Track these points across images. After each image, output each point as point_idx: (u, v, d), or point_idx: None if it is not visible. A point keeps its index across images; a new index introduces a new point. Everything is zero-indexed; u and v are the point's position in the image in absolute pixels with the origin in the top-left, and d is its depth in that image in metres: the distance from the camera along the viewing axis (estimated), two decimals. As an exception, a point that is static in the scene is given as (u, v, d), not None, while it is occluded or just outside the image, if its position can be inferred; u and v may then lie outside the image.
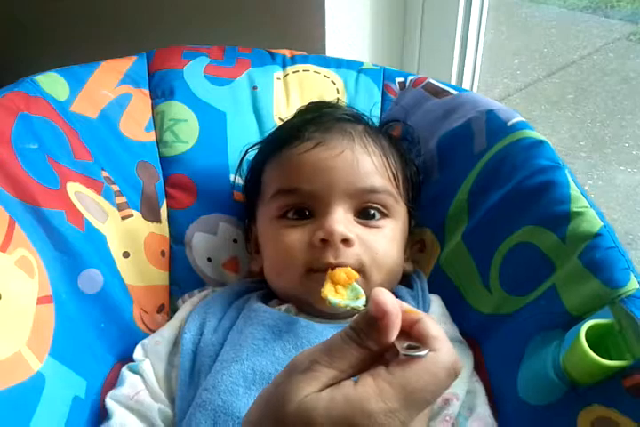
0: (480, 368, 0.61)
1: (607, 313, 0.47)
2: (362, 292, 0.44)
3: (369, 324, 0.35)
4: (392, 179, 0.67)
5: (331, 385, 0.34)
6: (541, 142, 0.64)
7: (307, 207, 0.65)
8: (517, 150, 0.64)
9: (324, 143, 0.65)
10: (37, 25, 1.59)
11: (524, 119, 0.68)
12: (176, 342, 0.65)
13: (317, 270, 0.61)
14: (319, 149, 0.65)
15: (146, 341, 0.66)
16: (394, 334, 0.35)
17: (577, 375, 0.46)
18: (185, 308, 0.70)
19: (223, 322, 0.65)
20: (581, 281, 0.51)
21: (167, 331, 0.66)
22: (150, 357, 0.64)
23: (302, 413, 0.32)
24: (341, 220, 0.62)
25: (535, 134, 0.65)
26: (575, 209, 0.56)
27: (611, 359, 0.44)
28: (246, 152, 0.76)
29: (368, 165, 0.65)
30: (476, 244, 0.66)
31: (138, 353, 0.64)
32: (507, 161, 0.65)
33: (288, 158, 0.67)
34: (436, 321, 0.38)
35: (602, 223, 0.53)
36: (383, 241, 0.64)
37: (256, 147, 0.76)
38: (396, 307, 0.35)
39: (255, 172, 0.73)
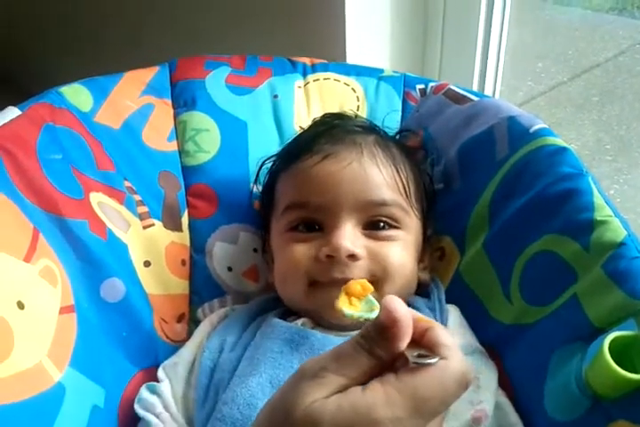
0: (501, 380, 0.60)
1: (632, 325, 0.46)
2: (376, 304, 0.44)
3: (379, 332, 0.35)
4: (402, 190, 0.67)
5: (339, 392, 0.34)
6: (564, 149, 0.63)
7: (316, 221, 0.65)
8: (540, 157, 0.64)
9: (333, 155, 0.66)
10: (61, 37, 1.62)
11: (546, 126, 0.67)
12: (194, 363, 0.65)
13: (322, 283, 0.62)
14: (328, 162, 0.65)
15: (166, 362, 0.67)
16: (404, 343, 0.35)
17: (600, 389, 0.45)
18: (203, 327, 0.70)
19: (242, 340, 0.65)
20: (605, 292, 0.50)
21: (186, 351, 0.67)
22: (170, 377, 0.64)
23: (309, 419, 0.32)
24: (348, 235, 0.62)
25: (558, 141, 0.64)
26: (599, 218, 0.55)
27: (635, 372, 0.43)
28: (262, 164, 0.77)
29: (376, 177, 0.65)
30: (497, 252, 0.65)
31: (160, 374, 0.65)
32: (529, 168, 0.64)
33: (298, 172, 0.67)
34: (451, 332, 0.38)
35: (626, 233, 0.52)
36: (393, 252, 0.64)
37: (272, 159, 0.76)
38: (407, 315, 0.35)
39: (268, 186, 0.74)
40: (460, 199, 0.72)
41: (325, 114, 0.78)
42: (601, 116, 1.65)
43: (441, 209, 0.74)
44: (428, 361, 0.33)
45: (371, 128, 0.73)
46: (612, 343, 0.44)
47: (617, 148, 1.53)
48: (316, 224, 0.66)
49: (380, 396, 0.32)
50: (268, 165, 0.77)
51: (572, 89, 1.78)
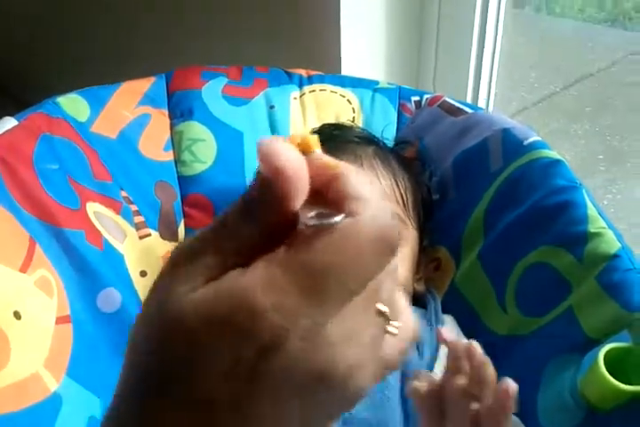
0: None
1: (626, 336, 0.46)
2: None
3: (261, 188, 0.24)
4: (400, 202, 0.68)
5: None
6: (558, 162, 0.63)
7: None
8: (534, 170, 0.64)
9: None
10: (57, 47, 1.62)
11: (540, 138, 0.68)
12: None
13: None
14: None
15: None
16: (296, 201, 0.24)
17: (594, 400, 0.45)
18: None
19: None
20: (599, 303, 0.50)
21: None
22: None
23: (176, 312, 0.23)
24: None
25: (552, 154, 0.65)
26: (593, 230, 0.55)
27: (629, 384, 0.43)
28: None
29: (376, 189, 0.66)
30: (492, 263, 0.66)
31: None
32: (523, 181, 0.65)
33: None
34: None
35: (620, 245, 0.53)
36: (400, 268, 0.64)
37: None
38: (296, 161, 0.23)
39: None
40: (455, 210, 0.73)
41: (324, 124, 0.78)
42: (594, 127, 1.66)
43: (436, 220, 0.74)
44: (328, 221, 0.23)
45: (369, 139, 0.74)
46: (607, 355, 0.45)
47: (610, 158, 1.54)
48: None
49: (261, 276, 0.22)
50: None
51: (565, 99, 1.79)
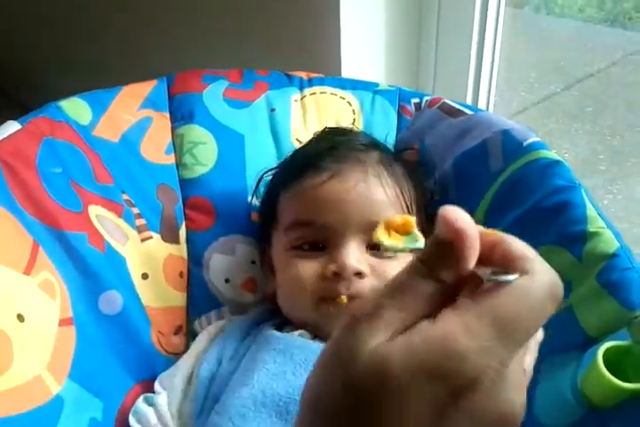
0: None
1: (625, 335, 0.46)
2: (421, 236, 0.37)
3: (440, 249, 0.28)
4: (405, 209, 0.68)
5: (404, 332, 0.27)
6: (557, 162, 0.64)
7: (320, 241, 0.66)
8: (534, 171, 0.65)
9: (338, 175, 0.66)
10: (58, 51, 1.62)
11: (539, 139, 0.68)
12: (192, 375, 0.66)
13: (329, 299, 0.63)
14: (333, 182, 0.66)
15: (163, 374, 0.67)
16: (473, 259, 0.28)
17: (595, 398, 0.46)
18: (201, 338, 0.71)
19: (239, 351, 0.66)
20: (599, 302, 0.51)
21: (183, 364, 0.67)
22: (167, 389, 0.65)
23: (376, 367, 0.25)
24: (354, 253, 0.63)
25: (551, 154, 0.65)
26: (592, 229, 0.56)
27: (629, 382, 0.44)
28: (261, 177, 0.78)
29: (381, 198, 0.66)
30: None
31: (157, 387, 0.66)
32: (523, 182, 0.65)
33: (303, 191, 0.68)
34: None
35: (619, 244, 0.53)
36: (397, 271, 0.65)
37: (272, 172, 0.77)
38: (472, 225, 0.28)
39: (271, 198, 0.74)
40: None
41: (325, 129, 0.78)
42: (594, 127, 1.66)
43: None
44: (507, 278, 0.27)
45: (373, 144, 0.74)
46: (606, 353, 0.45)
47: (610, 158, 1.54)
48: (319, 244, 0.66)
49: (456, 324, 0.25)
50: (267, 177, 0.77)
51: (565, 99, 1.79)
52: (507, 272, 0.28)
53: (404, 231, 0.38)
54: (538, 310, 0.27)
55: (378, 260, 0.65)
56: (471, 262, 0.28)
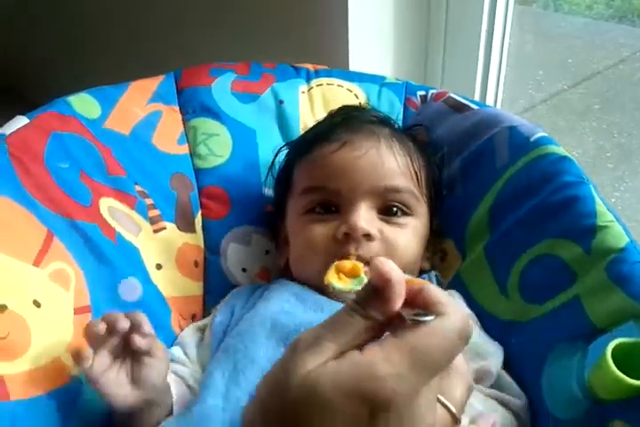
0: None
1: (631, 327, 0.47)
2: (366, 278, 0.45)
3: (372, 293, 0.34)
4: (415, 179, 0.70)
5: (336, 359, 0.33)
6: (565, 158, 0.64)
7: (333, 203, 0.68)
8: (542, 166, 0.65)
9: (350, 144, 0.68)
10: (64, 48, 1.63)
11: (546, 134, 0.68)
12: (205, 328, 0.71)
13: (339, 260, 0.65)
14: (345, 150, 0.68)
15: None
16: (399, 302, 0.34)
17: (603, 394, 0.46)
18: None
19: (250, 300, 0.70)
20: (607, 294, 0.51)
21: (190, 329, 0.72)
22: (180, 343, 0.69)
23: (307, 386, 0.31)
24: (364, 216, 0.65)
25: (559, 150, 0.65)
26: (601, 223, 0.56)
27: (638, 378, 0.44)
28: (278, 152, 0.80)
29: (392, 165, 0.68)
30: (497, 256, 0.67)
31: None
32: (531, 176, 0.65)
33: (317, 158, 0.70)
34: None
35: (628, 239, 0.54)
36: (404, 238, 0.67)
37: (287, 146, 0.79)
38: (399, 274, 0.34)
39: (286, 169, 0.76)
40: (461, 205, 0.74)
41: (344, 105, 0.80)
42: (601, 124, 1.65)
43: (444, 214, 0.75)
44: (425, 318, 0.33)
45: (385, 119, 0.76)
46: (615, 350, 0.45)
47: (618, 155, 1.54)
48: (332, 206, 0.68)
49: (379, 354, 0.31)
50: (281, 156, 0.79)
51: (573, 97, 1.79)
52: (426, 314, 0.33)
53: (352, 275, 0.46)
54: (448, 347, 0.32)
55: (387, 225, 0.67)
56: (397, 305, 0.34)
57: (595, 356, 0.47)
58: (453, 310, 0.34)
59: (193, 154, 0.80)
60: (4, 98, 1.75)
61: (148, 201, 0.73)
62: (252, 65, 0.85)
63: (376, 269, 0.34)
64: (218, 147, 0.80)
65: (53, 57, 1.74)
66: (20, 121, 0.66)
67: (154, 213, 0.73)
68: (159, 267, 0.72)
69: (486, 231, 0.69)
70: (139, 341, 0.53)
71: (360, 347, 0.33)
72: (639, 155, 1.53)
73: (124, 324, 0.53)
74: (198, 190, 0.79)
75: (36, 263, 0.56)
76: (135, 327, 0.53)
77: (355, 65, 0.99)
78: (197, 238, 0.78)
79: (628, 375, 0.44)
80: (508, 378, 0.60)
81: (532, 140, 0.68)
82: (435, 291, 0.35)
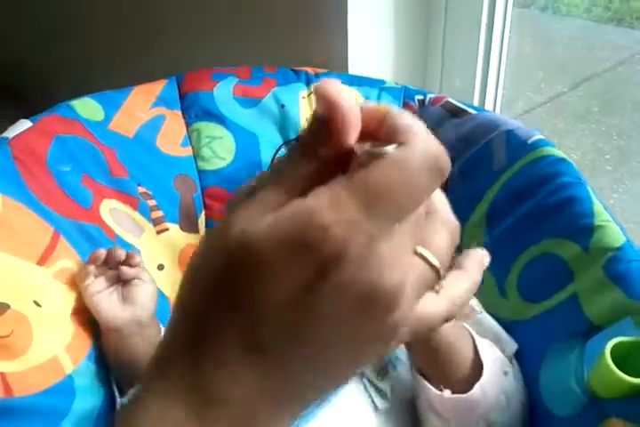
0: None
1: (628, 323, 0.47)
2: None
3: (318, 126, 0.26)
4: None
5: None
6: (563, 160, 0.65)
7: None
8: (540, 168, 0.66)
9: None
10: (65, 51, 1.64)
11: (543, 137, 0.69)
12: None
13: None
14: None
15: None
16: (351, 134, 0.26)
17: (603, 393, 0.46)
18: None
19: None
20: (604, 291, 0.52)
21: None
22: None
23: (243, 240, 0.25)
24: None
25: (556, 152, 0.66)
26: (598, 222, 0.57)
27: (637, 376, 0.44)
28: (278, 149, 0.80)
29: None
30: (495, 258, 0.66)
31: None
32: (529, 178, 0.66)
33: None
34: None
35: (624, 238, 0.54)
36: None
37: (286, 145, 0.80)
38: (349, 99, 0.26)
39: None
40: (459, 208, 0.74)
41: None
42: (600, 127, 1.66)
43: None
44: (381, 149, 0.25)
45: None
46: (614, 349, 0.45)
47: (617, 158, 1.54)
48: None
49: (324, 198, 0.24)
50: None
51: (572, 99, 1.79)
52: (385, 144, 0.25)
53: None
54: (413, 182, 0.24)
55: None
56: (348, 137, 0.26)
57: (593, 354, 0.47)
58: (423, 137, 0.26)
59: (196, 156, 0.81)
60: (5, 98, 1.76)
61: (152, 202, 0.74)
62: (254, 69, 0.86)
63: (320, 94, 0.26)
64: (222, 150, 0.81)
65: (53, 57, 1.74)
66: (24, 125, 0.67)
67: (157, 214, 0.75)
68: (161, 267, 0.73)
69: (484, 233, 0.70)
70: (126, 270, 0.62)
71: (305, 195, 0.25)
72: (638, 157, 1.54)
73: (119, 252, 0.62)
74: (202, 191, 0.80)
75: (41, 262, 0.57)
76: (127, 260, 0.62)
77: (354, 69, 1.00)
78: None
79: (627, 374, 0.44)
80: None
81: (529, 142, 0.68)
82: (402, 116, 0.26)
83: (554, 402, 0.52)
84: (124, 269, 0.61)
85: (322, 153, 0.26)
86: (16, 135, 0.64)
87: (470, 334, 0.54)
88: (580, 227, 0.58)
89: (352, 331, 0.25)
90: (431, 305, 0.27)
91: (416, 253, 0.26)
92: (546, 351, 0.55)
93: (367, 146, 0.26)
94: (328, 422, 0.55)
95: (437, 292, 0.28)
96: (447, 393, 0.51)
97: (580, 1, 2.10)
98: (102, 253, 0.61)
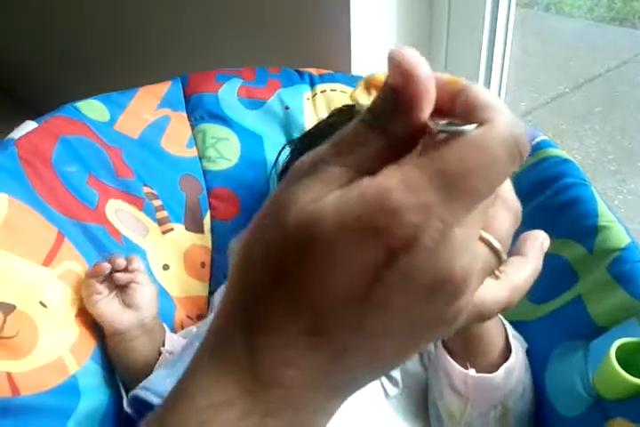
0: None
1: (633, 324, 0.47)
2: None
3: (390, 99, 0.24)
4: None
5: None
6: (566, 160, 0.65)
7: None
8: (543, 169, 0.66)
9: None
10: (65, 52, 1.64)
11: (547, 138, 0.69)
12: None
13: None
14: None
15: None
16: (425, 109, 0.23)
17: (608, 394, 0.47)
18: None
19: None
20: (608, 292, 0.52)
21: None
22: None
23: (305, 221, 0.23)
24: None
25: (560, 153, 0.66)
26: (603, 223, 0.57)
27: (641, 378, 0.44)
28: (282, 149, 0.80)
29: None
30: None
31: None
32: (533, 179, 0.66)
33: None
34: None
35: (629, 238, 0.54)
36: None
37: (289, 145, 0.80)
38: (426, 69, 0.23)
39: (288, 167, 0.76)
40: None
41: (343, 105, 0.80)
42: (604, 127, 1.66)
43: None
44: (461, 128, 0.23)
45: None
46: (619, 350, 0.46)
47: (620, 158, 1.54)
48: None
49: (395, 178, 0.22)
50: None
51: (575, 99, 1.79)
52: (465, 124, 0.23)
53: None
54: (492, 166, 0.22)
55: None
56: (423, 112, 0.23)
57: (597, 355, 0.47)
58: (503, 115, 0.23)
59: (202, 156, 0.81)
60: (4, 98, 1.76)
61: (157, 202, 0.75)
62: (258, 70, 0.87)
63: (395, 62, 0.23)
64: (227, 151, 0.81)
65: (53, 57, 1.75)
66: (29, 126, 0.67)
67: (162, 214, 0.75)
68: (166, 268, 0.74)
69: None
70: (120, 277, 0.62)
71: (374, 173, 0.23)
72: (642, 157, 1.54)
73: (119, 262, 0.62)
74: (207, 192, 0.80)
75: (46, 263, 0.58)
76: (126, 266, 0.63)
77: (357, 68, 1.00)
78: (205, 239, 0.79)
79: (631, 374, 0.44)
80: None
81: (532, 143, 0.68)
82: (480, 91, 0.24)
83: (560, 403, 0.52)
84: (118, 275, 0.62)
85: (395, 130, 0.24)
86: (22, 136, 0.65)
87: (501, 319, 0.55)
88: (585, 228, 0.58)
89: (416, 318, 0.23)
90: (492, 292, 0.26)
91: (481, 238, 0.24)
92: (551, 352, 0.55)
93: (442, 123, 0.23)
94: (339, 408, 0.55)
95: (498, 278, 0.26)
96: (472, 371, 0.51)
97: (583, 1, 2.09)
98: (106, 268, 0.61)
